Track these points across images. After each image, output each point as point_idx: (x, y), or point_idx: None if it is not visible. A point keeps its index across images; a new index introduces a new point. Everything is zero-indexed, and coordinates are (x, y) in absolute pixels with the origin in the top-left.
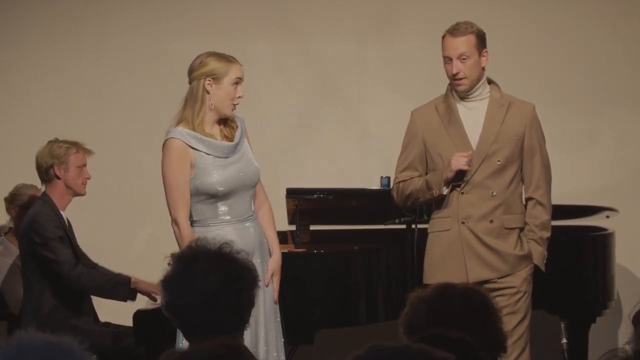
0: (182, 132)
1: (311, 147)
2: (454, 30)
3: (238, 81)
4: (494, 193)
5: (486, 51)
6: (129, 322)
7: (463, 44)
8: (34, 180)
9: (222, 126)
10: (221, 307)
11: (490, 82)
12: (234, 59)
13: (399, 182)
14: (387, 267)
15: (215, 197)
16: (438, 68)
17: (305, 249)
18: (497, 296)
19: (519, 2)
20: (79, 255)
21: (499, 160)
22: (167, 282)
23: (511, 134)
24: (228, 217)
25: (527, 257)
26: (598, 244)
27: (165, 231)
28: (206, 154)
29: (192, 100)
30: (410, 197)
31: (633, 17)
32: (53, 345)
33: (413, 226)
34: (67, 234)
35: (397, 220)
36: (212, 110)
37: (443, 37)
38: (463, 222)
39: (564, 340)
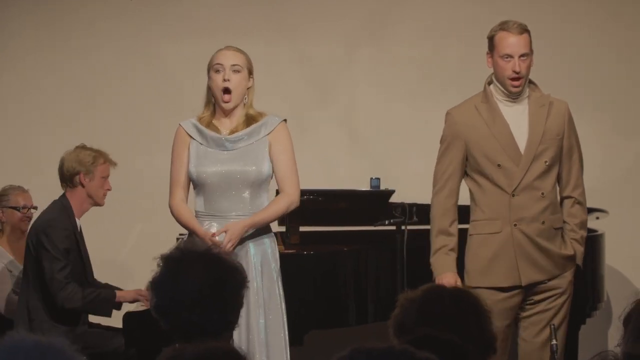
0: (188, 121)
1: (301, 149)
2: (516, 28)
3: (218, 67)
4: (544, 194)
5: (533, 51)
6: (119, 323)
7: (526, 42)
8: (25, 182)
9: (239, 124)
10: (210, 308)
11: (529, 82)
12: (226, 47)
13: (444, 203)
14: (376, 268)
15: (199, 187)
16: (428, 70)
17: (295, 250)
18: (545, 298)
19: (509, 5)
20: (85, 266)
21: (546, 161)
22: (156, 284)
23: (554, 134)
24: (211, 211)
25: (572, 257)
26: (588, 245)
27: (155, 231)
28: (200, 143)
29: (205, 98)
30: (432, 232)
31: (623, 17)
32: (44, 346)
33: (403, 227)
34: (77, 245)
35: (386, 222)
36: (217, 104)
37: (494, 35)
38: (515, 225)
39: (554, 342)
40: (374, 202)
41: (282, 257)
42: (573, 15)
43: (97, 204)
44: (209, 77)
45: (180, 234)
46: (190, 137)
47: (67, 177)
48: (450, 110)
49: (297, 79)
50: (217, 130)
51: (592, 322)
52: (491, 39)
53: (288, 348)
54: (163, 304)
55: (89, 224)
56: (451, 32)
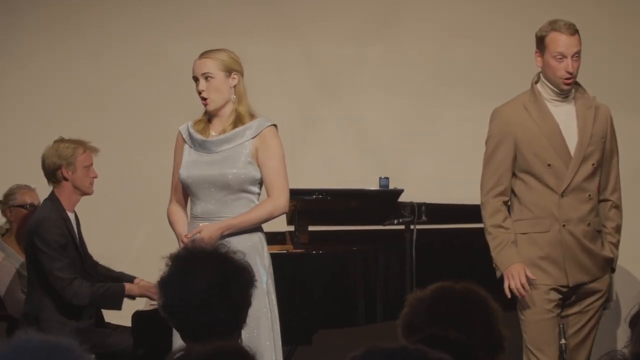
0: (185, 125)
1: (310, 148)
2: (568, 28)
3: (195, 79)
4: (590, 195)
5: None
6: (128, 322)
7: (578, 42)
8: (33, 181)
9: (227, 123)
10: (218, 308)
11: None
12: (201, 54)
13: (497, 202)
14: (385, 267)
15: (188, 190)
16: (437, 69)
17: (304, 250)
18: (585, 299)
19: (513, 6)
20: (83, 259)
21: (593, 163)
22: (164, 283)
23: (600, 137)
24: (197, 213)
25: (611, 260)
26: None
27: (164, 231)
28: (190, 147)
29: None
30: (487, 232)
31: (593, 20)
32: (52, 346)
33: (412, 227)
34: (72, 238)
35: (395, 221)
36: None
37: (545, 35)
38: (564, 225)
39: (563, 341)
40: (383, 201)
41: (291, 256)
42: (579, 14)
43: (86, 193)
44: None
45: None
46: (184, 141)
47: (50, 173)
48: (498, 108)
49: (305, 79)
50: (207, 132)
51: (601, 322)
52: (542, 39)
53: (280, 350)
54: (171, 304)
55: (97, 223)
56: (460, 30)
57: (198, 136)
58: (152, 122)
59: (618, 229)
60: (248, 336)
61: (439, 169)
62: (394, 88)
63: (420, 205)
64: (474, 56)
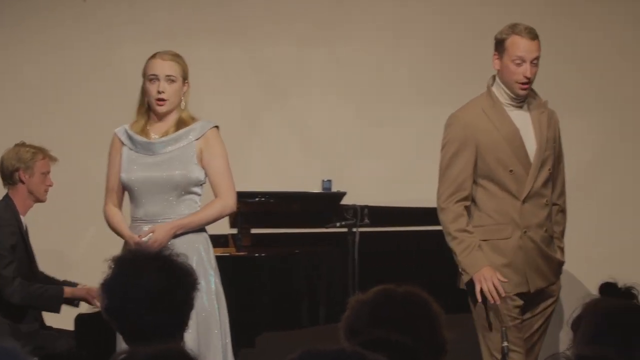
0: (121, 128)
1: (254, 151)
2: (529, 32)
3: (152, 78)
4: (547, 201)
5: None
6: (70, 326)
7: (538, 48)
8: None
9: (170, 127)
10: (160, 310)
11: None
12: (159, 53)
13: (458, 207)
14: (328, 270)
15: (130, 192)
16: (381, 72)
17: (246, 253)
18: (539, 303)
19: (456, 9)
20: (31, 262)
21: (549, 169)
22: (107, 286)
23: (552, 141)
24: (140, 216)
25: (562, 264)
26: None
27: (108, 233)
28: (130, 149)
29: (139, 100)
30: (449, 237)
31: (544, 19)
32: None
33: (354, 230)
34: (23, 241)
35: (338, 224)
36: (151, 109)
37: (505, 38)
38: (525, 232)
39: (505, 344)
40: (326, 204)
41: (234, 259)
42: (523, 15)
43: (39, 200)
44: (144, 84)
45: None
46: (122, 143)
47: (7, 175)
48: (455, 113)
49: (250, 81)
50: (148, 134)
51: None
52: (501, 42)
53: (230, 351)
54: (114, 306)
55: (42, 225)
56: (404, 33)
57: (139, 138)
58: (98, 126)
59: (563, 234)
60: (199, 338)
61: (382, 172)
62: (338, 90)
63: (362, 207)
64: (419, 59)
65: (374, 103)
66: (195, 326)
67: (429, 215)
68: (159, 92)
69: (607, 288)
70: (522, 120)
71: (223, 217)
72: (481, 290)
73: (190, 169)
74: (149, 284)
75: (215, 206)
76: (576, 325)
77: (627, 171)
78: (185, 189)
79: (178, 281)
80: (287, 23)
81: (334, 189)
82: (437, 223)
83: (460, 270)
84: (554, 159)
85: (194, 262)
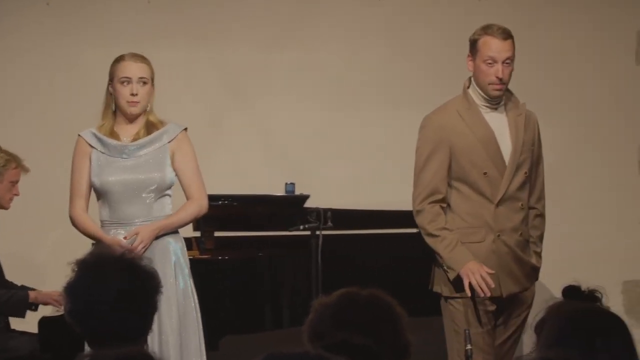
0: (87, 131)
1: (218, 154)
2: (502, 33)
3: (124, 80)
4: (522, 205)
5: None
6: (34, 328)
7: (510, 48)
8: None
9: (140, 130)
10: (123, 314)
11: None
12: (129, 56)
13: (434, 207)
14: (291, 273)
15: (103, 196)
16: (344, 75)
17: (210, 256)
18: (514, 309)
19: (424, 7)
20: None
21: (525, 172)
22: (70, 289)
23: (530, 144)
24: (116, 219)
25: (538, 270)
26: None
27: (71, 237)
28: (101, 152)
29: (104, 104)
30: (429, 236)
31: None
32: None
33: (317, 232)
34: None
35: (301, 227)
36: (119, 111)
37: (477, 38)
38: (498, 235)
39: (469, 347)
40: (289, 207)
41: (197, 262)
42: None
43: (2, 207)
44: (113, 87)
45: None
46: (91, 146)
47: None
48: (429, 115)
49: (213, 84)
50: (118, 137)
51: None
52: (474, 43)
53: (204, 351)
54: (77, 309)
55: (4, 228)
56: (368, 35)
57: (112, 141)
58: (65, 129)
59: (541, 238)
60: (177, 339)
61: (345, 175)
62: (302, 93)
63: (326, 210)
64: (382, 61)
65: (338, 106)
66: (177, 327)
67: (392, 218)
68: (132, 95)
69: (571, 291)
70: (498, 122)
71: (198, 218)
72: (470, 285)
73: (165, 172)
74: (112, 287)
75: (191, 207)
76: (539, 328)
77: (591, 174)
78: (161, 191)
79: (141, 284)
80: (251, 26)
81: (298, 191)
82: (401, 226)
83: (445, 268)
84: (531, 162)
85: (172, 263)
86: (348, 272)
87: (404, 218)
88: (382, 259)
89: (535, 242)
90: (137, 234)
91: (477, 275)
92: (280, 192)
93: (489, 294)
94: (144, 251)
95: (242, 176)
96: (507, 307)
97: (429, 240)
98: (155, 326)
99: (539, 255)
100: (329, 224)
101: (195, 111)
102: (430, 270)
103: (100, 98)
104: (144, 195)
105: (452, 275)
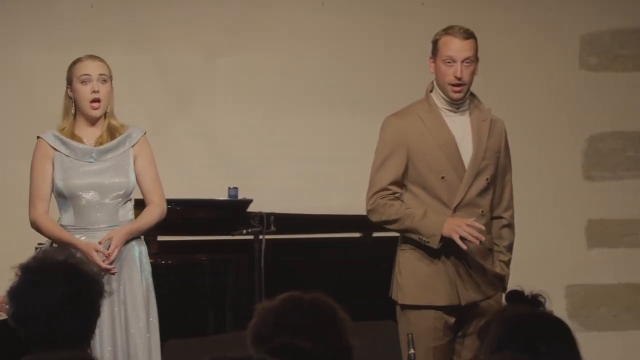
0: (49, 134)
1: (160, 158)
2: (462, 32)
3: (85, 79)
4: (483, 212)
5: (478, 60)
6: None
7: (471, 48)
8: None
9: (102, 133)
10: (66, 318)
11: (470, 93)
12: (87, 56)
13: (384, 199)
14: (234, 277)
15: (68, 200)
16: (288, 79)
17: (153, 260)
18: (480, 319)
19: (367, 13)
20: None
21: (487, 178)
22: (14, 293)
23: (494, 151)
24: (81, 224)
25: (502, 278)
26: None
27: (14, 240)
28: (66, 155)
29: (63, 109)
30: (392, 223)
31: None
32: None
33: (260, 237)
34: None
35: (244, 231)
36: (80, 115)
37: (438, 39)
38: (467, 248)
39: (412, 351)
40: (232, 211)
41: None
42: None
43: None
44: (72, 88)
45: (40, 243)
46: (55, 149)
47: None
48: (389, 117)
49: (156, 89)
50: (80, 140)
51: None
52: (435, 43)
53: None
54: (21, 313)
55: None
56: (311, 40)
57: (77, 144)
58: (2, 133)
59: (510, 248)
60: (146, 343)
61: (289, 179)
62: (245, 98)
63: (269, 215)
64: (325, 66)
65: (281, 111)
66: (145, 330)
67: (335, 222)
68: (93, 92)
69: (514, 296)
70: (461, 126)
71: (159, 222)
72: (462, 239)
73: (130, 176)
74: (55, 290)
75: (155, 211)
76: (483, 333)
77: (534, 178)
78: (127, 196)
79: (85, 288)
80: (194, 31)
81: (241, 196)
82: (344, 230)
83: (424, 240)
84: (494, 169)
85: (138, 267)
86: (291, 277)
87: (347, 222)
88: (325, 263)
89: (502, 252)
90: (110, 238)
91: (462, 226)
92: (223, 196)
93: (483, 239)
94: (118, 255)
95: (185, 180)
96: (469, 316)
97: (396, 227)
98: (118, 332)
99: (505, 263)
100: (272, 228)
101: (138, 115)
102: (372, 274)
103: (43, 101)
104: (111, 200)
105: (435, 242)
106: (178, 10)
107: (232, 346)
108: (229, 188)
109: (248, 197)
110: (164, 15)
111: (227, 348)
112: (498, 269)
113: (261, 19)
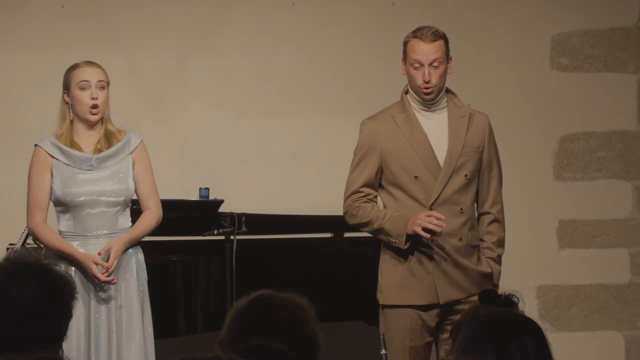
0: (47, 141)
1: None
2: (426, 35)
3: (84, 85)
4: (462, 209)
5: (451, 58)
6: None
7: (438, 50)
8: None
9: (100, 138)
10: (38, 320)
11: (447, 90)
12: (84, 63)
13: (356, 201)
14: (206, 278)
15: (67, 207)
16: (259, 80)
17: None
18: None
19: (338, 13)
20: None
21: (466, 175)
22: None
23: (474, 147)
24: (79, 231)
25: (489, 275)
26: None
27: None
28: (65, 164)
29: (60, 114)
30: (364, 226)
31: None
32: None
33: (232, 237)
34: None
35: (215, 232)
36: (77, 120)
37: (407, 42)
38: (432, 240)
39: (384, 351)
40: (203, 212)
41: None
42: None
43: None
44: (70, 94)
45: (10, 244)
46: (53, 157)
47: None
48: (365, 120)
49: (128, 90)
50: (79, 148)
51: None
52: (404, 46)
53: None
54: None
55: None
56: (283, 41)
57: (75, 152)
58: None
59: (499, 243)
60: (142, 350)
61: (260, 180)
62: (216, 99)
63: (240, 215)
64: (296, 67)
65: (252, 112)
66: (141, 339)
67: (306, 223)
68: (93, 99)
69: (487, 296)
70: (437, 125)
71: (156, 228)
72: (427, 231)
73: (130, 184)
74: (26, 292)
75: (153, 218)
76: (455, 332)
77: (505, 178)
78: (127, 203)
79: (57, 290)
80: (165, 32)
81: (212, 196)
82: (315, 231)
83: (394, 241)
84: (475, 165)
85: (135, 274)
86: (262, 277)
87: (318, 223)
88: (296, 264)
89: (490, 248)
90: (109, 249)
91: (422, 217)
92: (194, 197)
93: (444, 225)
94: (117, 266)
95: (158, 181)
96: (455, 315)
97: (367, 230)
98: (114, 339)
99: (494, 260)
100: (243, 228)
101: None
102: (343, 273)
103: (15, 104)
104: (110, 207)
105: (402, 242)
106: (150, 12)
107: (202, 347)
108: (200, 189)
109: (219, 197)
110: (135, 16)
111: (197, 349)
112: (484, 266)
113: (232, 20)
